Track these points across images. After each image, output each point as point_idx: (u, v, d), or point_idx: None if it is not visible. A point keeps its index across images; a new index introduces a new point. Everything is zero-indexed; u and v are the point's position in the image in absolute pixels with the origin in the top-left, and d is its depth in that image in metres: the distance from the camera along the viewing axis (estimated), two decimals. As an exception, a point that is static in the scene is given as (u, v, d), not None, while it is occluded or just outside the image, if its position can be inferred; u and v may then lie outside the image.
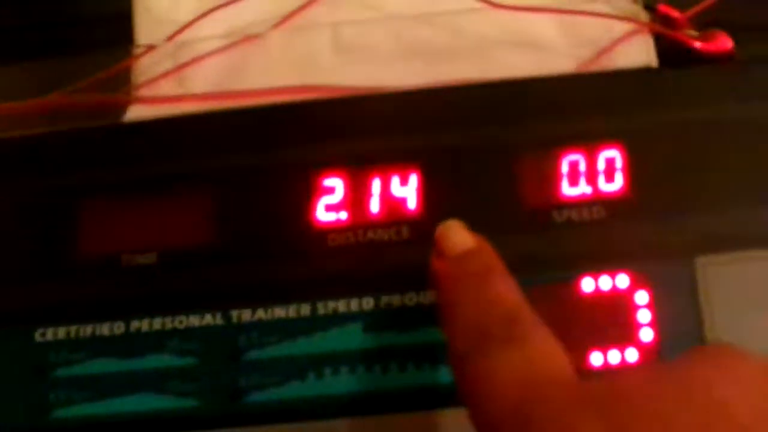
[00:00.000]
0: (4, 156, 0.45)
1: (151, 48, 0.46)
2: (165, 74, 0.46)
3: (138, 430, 0.40)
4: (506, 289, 0.34)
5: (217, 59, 0.47)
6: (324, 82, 0.46)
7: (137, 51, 0.47)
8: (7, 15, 0.51)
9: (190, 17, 0.48)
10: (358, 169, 0.43)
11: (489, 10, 0.46)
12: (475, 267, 0.35)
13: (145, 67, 0.47)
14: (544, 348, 0.31)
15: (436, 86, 0.44)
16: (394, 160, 0.42)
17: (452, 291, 0.34)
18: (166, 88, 0.46)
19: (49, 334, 0.42)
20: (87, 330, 0.41)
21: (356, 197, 0.42)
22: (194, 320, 0.41)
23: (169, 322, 0.41)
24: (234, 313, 0.41)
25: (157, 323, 0.41)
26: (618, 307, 0.39)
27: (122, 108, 0.46)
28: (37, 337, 0.42)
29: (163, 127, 0.44)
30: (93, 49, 0.49)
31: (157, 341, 0.41)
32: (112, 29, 0.49)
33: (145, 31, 0.48)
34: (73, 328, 0.41)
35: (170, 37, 0.47)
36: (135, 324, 0.41)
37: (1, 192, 0.44)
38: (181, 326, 0.41)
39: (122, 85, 0.47)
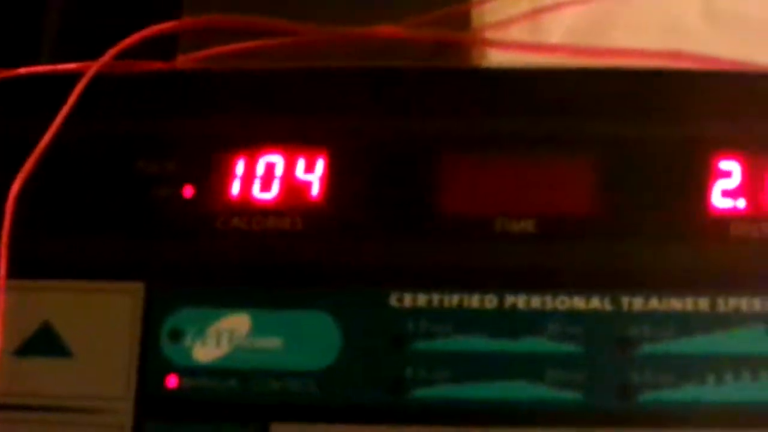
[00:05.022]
0: (341, 85, 0.41)
1: (513, -12, 0.43)
2: (519, 19, 0.43)
3: (507, 421, 0.38)
4: None
5: (578, 10, 0.44)
6: (690, 50, 0.44)
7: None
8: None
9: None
10: (756, 155, 0.40)
11: None
12: None
13: (496, 8, 0.44)
14: None
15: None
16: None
17: None
18: (518, 33, 0.43)
19: (407, 299, 0.39)
20: (453, 300, 0.39)
21: (754, 185, 0.40)
22: (579, 303, 0.38)
23: (550, 302, 0.38)
24: (624, 300, 0.38)
25: (536, 301, 0.38)
26: None
27: (462, 49, 0.43)
28: (393, 301, 0.39)
29: (537, 78, 0.41)
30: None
31: (535, 322, 0.38)
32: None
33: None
34: (435, 296, 0.39)
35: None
36: (510, 299, 0.38)
37: (350, 132, 0.40)
38: (563, 307, 0.38)
39: (455, 24, 0.44)
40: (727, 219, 0.39)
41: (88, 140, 0.42)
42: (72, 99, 0.42)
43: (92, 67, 0.43)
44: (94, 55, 0.45)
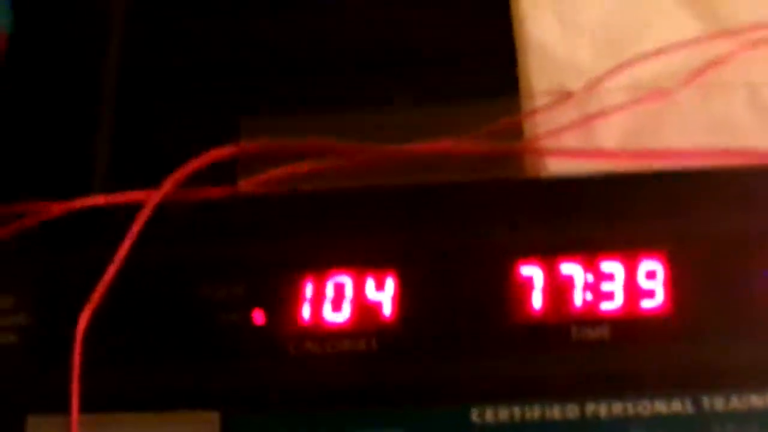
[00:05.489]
0: (404, 202, 0.42)
1: (566, 95, 0.44)
2: (570, 126, 0.44)
3: None
4: None
5: (626, 114, 0.45)
6: (741, 145, 0.44)
7: (538, 99, 0.45)
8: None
9: (588, 61, 0.46)
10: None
11: None
12: None
13: (546, 119, 0.44)
14: None
15: None
16: None
17: None
18: (571, 140, 0.44)
19: (489, 414, 0.38)
20: (534, 412, 0.38)
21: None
22: (661, 407, 0.38)
23: (632, 408, 0.38)
24: (706, 401, 0.38)
25: (617, 408, 0.38)
26: None
27: (517, 160, 0.44)
28: (475, 417, 0.39)
29: (603, 183, 0.42)
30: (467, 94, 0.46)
31: (618, 429, 0.38)
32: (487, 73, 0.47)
33: (539, 76, 0.46)
34: (517, 410, 0.38)
35: (589, 87, 0.44)
36: (591, 407, 0.38)
37: (417, 248, 0.41)
38: (646, 413, 0.38)
39: (508, 136, 0.45)
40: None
41: (152, 269, 0.42)
42: (135, 229, 0.42)
43: (153, 197, 0.43)
44: (149, 181, 0.45)
